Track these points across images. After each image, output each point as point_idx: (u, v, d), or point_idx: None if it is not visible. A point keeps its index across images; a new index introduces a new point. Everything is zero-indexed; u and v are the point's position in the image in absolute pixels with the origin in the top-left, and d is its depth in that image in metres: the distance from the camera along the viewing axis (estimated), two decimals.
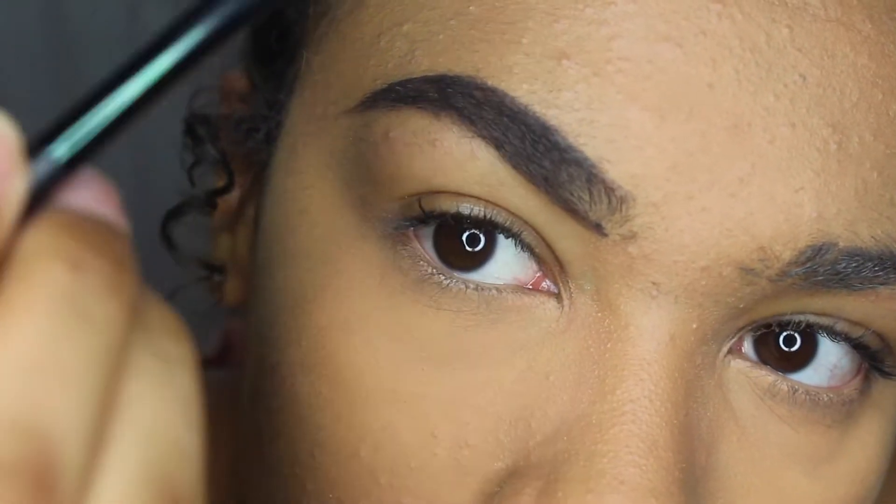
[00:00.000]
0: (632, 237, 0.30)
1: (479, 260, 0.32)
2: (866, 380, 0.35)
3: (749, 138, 0.30)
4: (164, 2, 0.91)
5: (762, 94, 0.30)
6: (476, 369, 0.32)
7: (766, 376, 0.33)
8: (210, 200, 0.43)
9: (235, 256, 0.43)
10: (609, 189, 0.30)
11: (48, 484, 0.18)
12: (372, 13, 0.34)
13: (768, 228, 0.30)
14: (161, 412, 0.20)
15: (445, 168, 0.31)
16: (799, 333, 0.33)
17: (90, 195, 0.22)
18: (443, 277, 0.32)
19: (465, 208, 0.32)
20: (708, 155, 0.30)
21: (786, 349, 0.33)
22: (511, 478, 0.32)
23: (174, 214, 0.44)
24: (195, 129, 0.43)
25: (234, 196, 0.43)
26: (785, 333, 0.33)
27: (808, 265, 0.31)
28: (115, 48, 0.92)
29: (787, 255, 0.31)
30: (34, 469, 0.18)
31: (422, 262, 0.33)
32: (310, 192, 0.35)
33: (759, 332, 0.33)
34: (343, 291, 0.33)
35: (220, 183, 0.42)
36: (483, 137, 0.31)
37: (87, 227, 0.21)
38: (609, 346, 0.31)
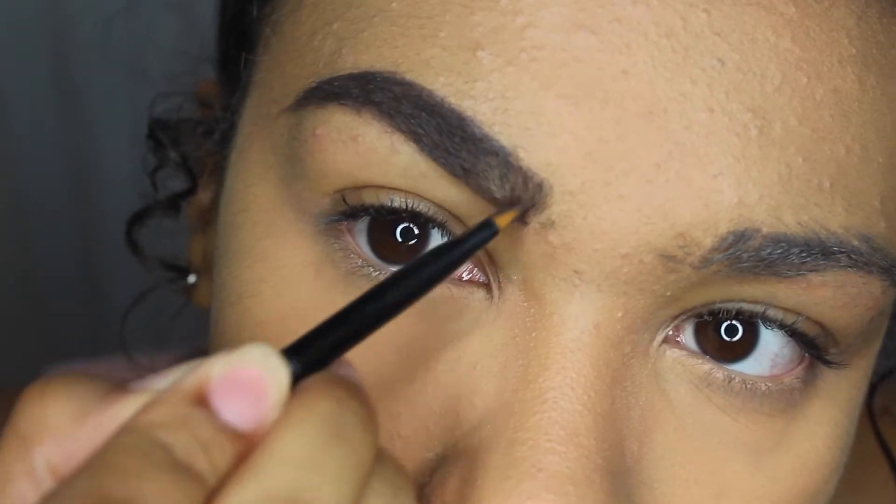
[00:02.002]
0: (551, 225, 0.30)
1: (411, 253, 0.33)
2: (811, 370, 0.34)
3: (665, 124, 0.30)
4: (165, 2, 0.91)
5: (678, 80, 0.30)
6: (407, 361, 0.33)
7: (702, 365, 0.33)
8: (173, 203, 0.43)
9: (206, 258, 0.44)
10: (525, 177, 0.30)
11: None
12: (308, 13, 0.34)
13: (687, 214, 0.30)
14: None
15: (368, 163, 0.31)
16: (740, 323, 0.33)
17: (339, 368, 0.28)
18: (372, 269, 0.33)
19: (390, 201, 0.32)
20: (624, 141, 0.30)
21: (727, 339, 0.33)
22: (439, 467, 0.32)
23: (138, 218, 0.45)
24: (157, 133, 0.44)
25: (204, 198, 0.44)
26: (727, 323, 0.33)
27: (730, 251, 0.30)
28: (116, 48, 0.92)
29: (709, 242, 0.30)
30: None
31: (352, 255, 0.33)
32: (252, 189, 0.35)
33: (698, 321, 0.33)
34: (280, 286, 0.34)
35: (180, 185, 0.44)
36: (402, 132, 0.31)
37: (345, 379, 0.26)
38: (534, 335, 0.31)
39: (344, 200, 0.33)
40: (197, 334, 0.50)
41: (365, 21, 0.32)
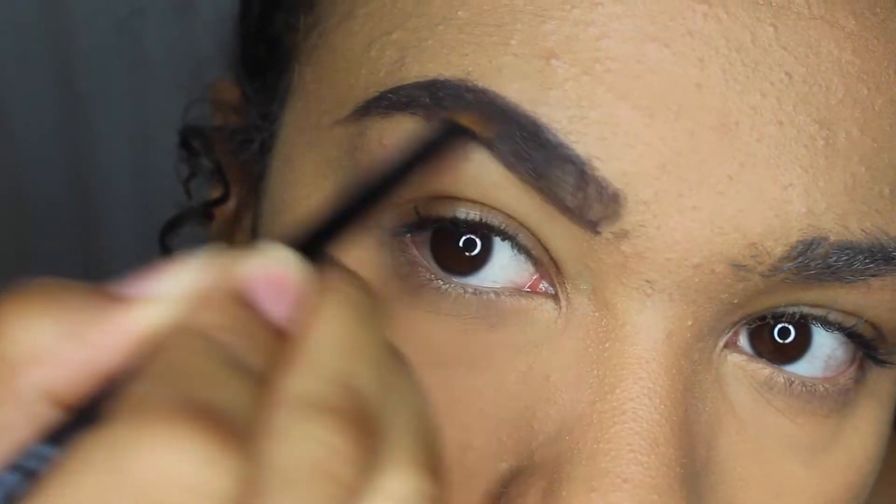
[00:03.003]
0: (624, 235, 0.31)
1: (476, 264, 0.33)
2: (861, 368, 0.35)
3: (737, 137, 0.30)
4: (165, 2, 0.91)
5: (749, 93, 0.30)
6: (477, 372, 0.33)
7: (763, 369, 0.34)
8: (206, 211, 0.43)
9: None
10: (600, 186, 0.30)
11: (370, 430, 0.22)
12: (361, 23, 0.34)
13: (758, 225, 0.31)
14: None
15: (438, 171, 0.31)
16: (793, 325, 0.34)
17: None
18: (441, 283, 0.33)
19: (462, 213, 0.32)
20: (697, 153, 0.30)
21: (780, 341, 0.34)
22: (515, 478, 0.32)
23: (172, 226, 0.44)
24: (190, 141, 0.43)
25: (230, 206, 0.43)
26: (779, 326, 0.34)
27: (799, 260, 0.31)
28: (116, 48, 0.91)
29: (779, 251, 0.31)
30: (360, 418, 0.22)
31: (420, 268, 0.33)
32: (307, 201, 0.35)
33: (753, 325, 0.34)
34: None
35: (216, 194, 0.43)
36: (475, 139, 0.31)
37: (349, 270, 0.26)
38: (607, 345, 0.32)
39: (416, 211, 0.33)
40: None
41: (428, 30, 0.32)
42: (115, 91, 0.93)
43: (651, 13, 0.31)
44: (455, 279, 0.33)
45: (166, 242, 0.45)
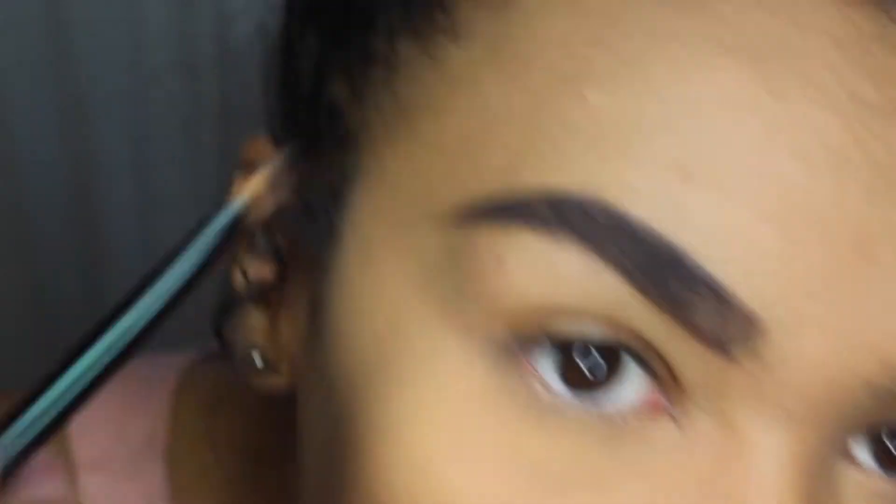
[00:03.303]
0: (759, 359, 0.30)
1: (599, 383, 0.31)
2: None
3: (875, 255, 0.29)
4: (165, 1, 0.91)
5: (886, 207, 0.29)
6: (594, 494, 0.31)
7: (880, 482, 0.33)
8: (261, 295, 0.40)
9: (277, 342, 0.40)
10: (739, 311, 0.29)
11: None
12: (460, 118, 0.32)
13: (892, 343, 0.30)
14: None
15: (563, 291, 0.30)
16: None
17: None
18: (560, 402, 0.31)
19: (588, 331, 0.30)
20: (837, 274, 0.29)
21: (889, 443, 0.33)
22: None
23: (224, 312, 0.41)
24: (244, 221, 0.39)
25: (265, 272, 0.40)
26: None
27: None
28: (116, 48, 0.91)
29: None
30: None
31: (537, 386, 0.31)
32: (398, 304, 0.33)
33: (875, 436, 0.32)
34: (447, 415, 0.32)
35: (267, 274, 0.39)
36: (605, 260, 0.29)
37: None
38: (732, 466, 0.30)
39: (538, 328, 0.31)
40: (194, 334, 0.49)
41: (541, 133, 0.30)
42: (115, 91, 0.93)
43: (786, 128, 0.29)
44: (575, 399, 0.31)
45: (221, 329, 0.41)
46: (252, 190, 0.37)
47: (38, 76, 0.93)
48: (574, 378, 0.31)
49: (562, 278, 0.30)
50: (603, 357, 0.31)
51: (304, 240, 0.37)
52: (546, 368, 0.31)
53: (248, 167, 0.39)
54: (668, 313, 0.29)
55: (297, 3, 0.39)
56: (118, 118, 0.95)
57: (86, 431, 0.51)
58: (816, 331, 0.29)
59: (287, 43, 0.40)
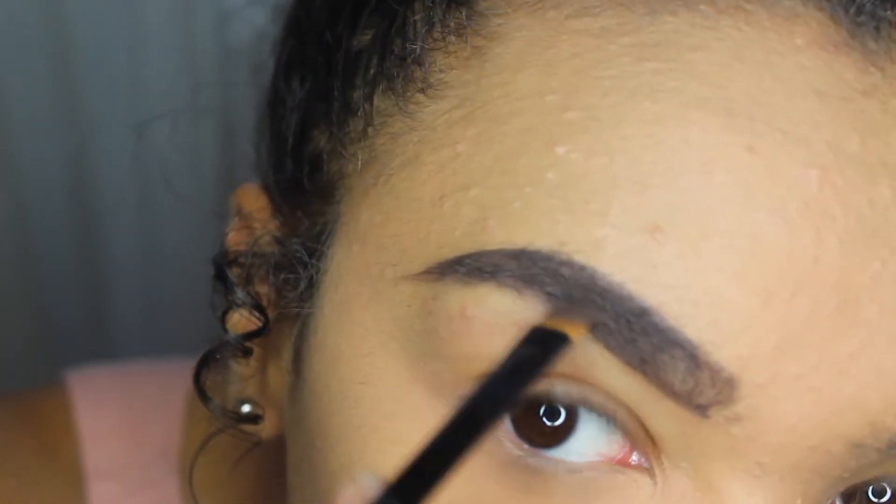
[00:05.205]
0: (736, 419, 0.29)
1: (560, 435, 0.30)
2: None
3: (857, 312, 0.28)
4: (165, 1, 0.91)
5: (868, 263, 0.29)
6: None
7: None
8: (243, 347, 0.39)
9: (265, 390, 0.40)
10: (714, 372, 0.28)
11: None
12: (430, 172, 0.32)
13: (878, 401, 0.29)
14: None
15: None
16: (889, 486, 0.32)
17: None
18: (531, 459, 0.30)
19: (557, 390, 0.30)
20: (815, 333, 0.28)
21: (874, 500, 0.32)
22: None
23: (205, 363, 0.40)
24: (226, 272, 0.39)
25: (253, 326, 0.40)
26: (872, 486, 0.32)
27: None
28: (116, 48, 0.91)
29: None
30: None
31: (507, 443, 0.31)
32: (370, 359, 0.33)
33: (852, 492, 0.32)
34: None
35: (250, 325, 0.39)
36: (573, 318, 0.29)
37: None
38: None
39: None
40: (196, 338, 0.49)
41: (514, 190, 0.30)
42: (116, 90, 0.93)
43: (762, 182, 0.28)
44: (543, 453, 0.30)
45: (201, 383, 0.40)
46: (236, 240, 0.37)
47: (37, 76, 0.93)
48: (534, 431, 0.30)
49: None
50: (563, 408, 0.30)
51: (284, 292, 0.37)
52: (510, 425, 0.31)
53: (241, 217, 0.39)
54: (639, 372, 0.29)
55: (285, 54, 0.39)
56: (118, 118, 0.95)
57: (99, 440, 0.51)
58: (794, 390, 0.28)
59: (275, 92, 0.40)
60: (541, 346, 0.28)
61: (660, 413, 0.29)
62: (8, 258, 0.99)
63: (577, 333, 0.28)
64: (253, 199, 0.40)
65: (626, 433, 0.30)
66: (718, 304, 0.28)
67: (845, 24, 0.30)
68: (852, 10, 0.30)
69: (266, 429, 0.41)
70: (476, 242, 0.30)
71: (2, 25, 0.90)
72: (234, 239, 0.40)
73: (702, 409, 0.29)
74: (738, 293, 0.28)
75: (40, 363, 1.01)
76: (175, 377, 0.53)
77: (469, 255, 0.30)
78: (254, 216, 0.39)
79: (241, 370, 0.40)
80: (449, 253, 0.31)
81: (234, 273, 0.38)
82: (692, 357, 0.28)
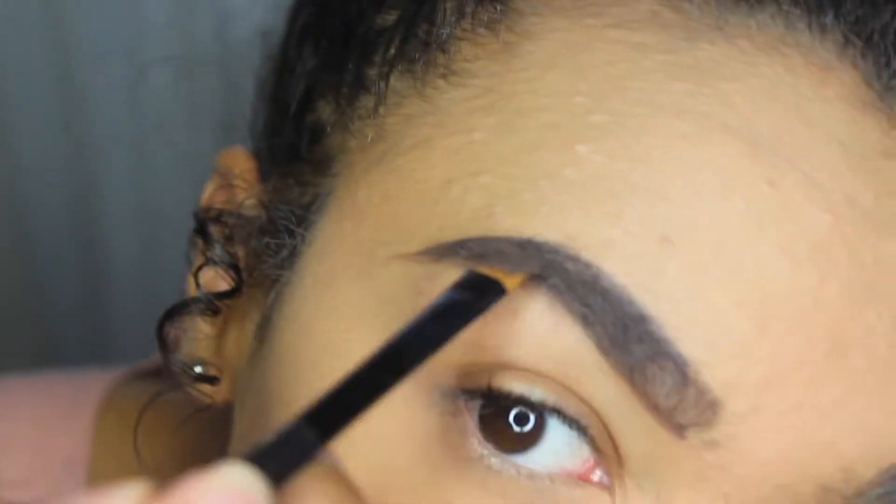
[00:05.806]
0: (712, 444, 0.29)
1: (526, 443, 0.30)
2: None
3: (847, 360, 0.29)
4: (165, 1, 0.91)
5: (864, 314, 0.29)
6: None
7: None
8: (212, 305, 0.38)
9: (221, 355, 0.40)
10: (700, 392, 0.28)
11: None
12: (441, 155, 0.32)
13: (854, 449, 0.29)
14: None
15: (523, 342, 0.29)
16: None
17: None
18: (494, 460, 0.30)
19: (535, 394, 0.29)
20: (804, 373, 0.28)
21: None
22: None
23: (170, 316, 0.39)
24: (206, 227, 0.39)
25: (221, 286, 0.39)
26: None
27: (886, 486, 0.29)
28: (116, 48, 0.91)
29: (869, 475, 0.29)
30: None
31: (472, 440, 0.30)
32: (350, 337, 0.32)
33: None
34: (380, 459, 0.31)
35: (223, 285, 0.38)
36: (571, 313, 0.28)
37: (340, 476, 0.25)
38: None
39: (487, 382, 0.30)
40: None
41: (526, 182, 0.30)
42: (115, 90, 0.93)
43: (776, 216, 0.29)
44: (507, 457, 0.30)
45: (164, 334, 0.40)
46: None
47: (37, 76, 0.93)
48: (501, 434, 0.30)
49: (522, 328, 0.29)
50: (532, 415, 0.30)
51: (264, 256, 0.37)
52: (475, 421, 0.30)
53: (222, 177, 0.39)
54: (625, 379, 0.29)
55: (299, 19, 0.39)
56: (118, 117, 0.95)
57: (10, 450, 0.50)
58: (775, 425, 0.29)
59: (284, 57, 0.39)
60: (475, 292, 0.27)
61: (635, 428, 0.29)
62: (7, 258, 0.99)
63: (512, 284, 0.28)
64: (240, 162, 0.39)
65: (594, 448, 0.30)
66: (716, 325, 0.28)
67: (876, 87, 0.30)
68: (885, 74, 0.30)
69: (219, 392, 0.40)
70: (481, 228, 0.30)
71: (3, 28, 0.90)
72: (212, 197, 0.39)
73: (680, 429, 0.29)
74: (736, 318, 0.28)
75: (40, 366, 1.01)
76: (84, 388, 0.53)
77: (472, 240, 0.30)
78: (239, 178, 0.39)
79: (199, 331, 0.39)
80: (451, 236, 0.30)
81: (215, 230, 0.38)
82: (682, 373, 0.28)
